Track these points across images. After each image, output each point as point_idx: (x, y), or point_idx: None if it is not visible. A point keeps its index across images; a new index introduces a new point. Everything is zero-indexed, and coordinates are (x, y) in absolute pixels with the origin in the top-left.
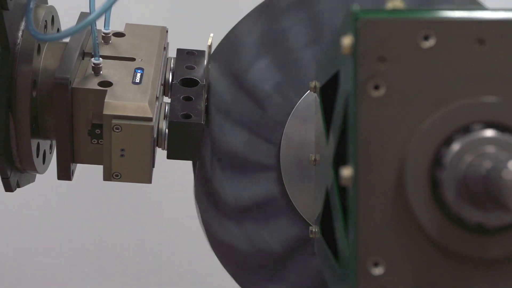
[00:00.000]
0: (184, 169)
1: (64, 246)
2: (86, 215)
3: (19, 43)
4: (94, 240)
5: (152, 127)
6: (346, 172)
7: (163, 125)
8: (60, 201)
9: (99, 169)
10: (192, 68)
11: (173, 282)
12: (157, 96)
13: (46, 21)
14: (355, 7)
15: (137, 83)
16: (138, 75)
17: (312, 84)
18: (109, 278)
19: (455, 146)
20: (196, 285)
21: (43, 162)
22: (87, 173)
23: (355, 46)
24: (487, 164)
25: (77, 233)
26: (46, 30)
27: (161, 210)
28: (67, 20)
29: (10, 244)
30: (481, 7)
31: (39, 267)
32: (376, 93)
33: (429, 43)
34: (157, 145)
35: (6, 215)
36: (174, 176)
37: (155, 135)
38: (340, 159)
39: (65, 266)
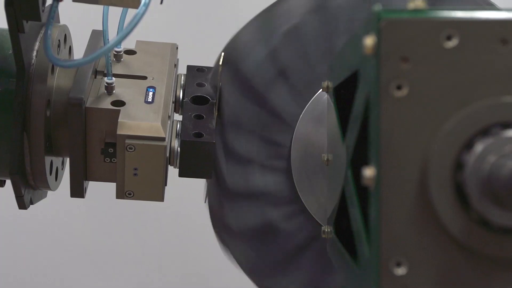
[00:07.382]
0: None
1: (64, 246)
2: (87, 215)
3: (33, 64)
4: (95, 240)
5: (165, 146)
6: (369, 172)
7: (175, 144)
8: (60, 201)
9: None
10: (202, 85)
11: (174, 283)
12: (169, 115)
13: (59, 40)
14: (377, 7)
15: (149, 102)
16: (150, 94)
17: (325, 84)
18: (110, 278)
19: (478, 147)
20: (197, 286)
21: (56, 179)
22: None
23: (378, 46)
24: (511, 165)
25: (78, 233)
26: (59, 49)
27: (162, 210)
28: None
29: (11, 244)
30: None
31: (40, 267)
32: (398, 93)
33: (452, 43)
34: (169, 163)
35: (7, 215)
36: (176, 179)
37: (167, 154)
38: (358, 159)
39: (66, 266)
